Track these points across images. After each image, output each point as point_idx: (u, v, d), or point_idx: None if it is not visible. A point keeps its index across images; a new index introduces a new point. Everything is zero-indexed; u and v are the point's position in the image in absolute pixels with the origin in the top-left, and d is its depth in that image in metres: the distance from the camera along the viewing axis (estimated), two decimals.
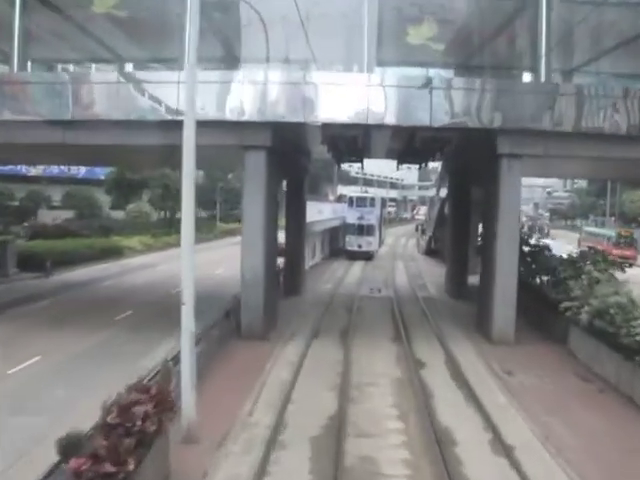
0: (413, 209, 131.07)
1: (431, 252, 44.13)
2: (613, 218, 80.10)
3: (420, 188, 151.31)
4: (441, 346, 17.15)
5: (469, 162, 21.55)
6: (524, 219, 79.25)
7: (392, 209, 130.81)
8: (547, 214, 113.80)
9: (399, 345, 17.11)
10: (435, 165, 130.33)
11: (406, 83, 16.32)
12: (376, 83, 16.26)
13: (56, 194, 60.37)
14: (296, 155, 23.43)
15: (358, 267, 38.47)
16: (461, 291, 25.85)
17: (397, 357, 15.93)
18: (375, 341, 17.50)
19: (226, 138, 16.67)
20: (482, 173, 19.47)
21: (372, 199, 44.76)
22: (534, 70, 18.30)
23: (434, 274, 34.53)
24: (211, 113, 16.27)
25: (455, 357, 15.81)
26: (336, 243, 47.14)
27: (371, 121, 16.22)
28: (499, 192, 17.18)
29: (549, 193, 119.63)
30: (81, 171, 63.64)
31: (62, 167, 61.42)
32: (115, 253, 38.50)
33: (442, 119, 16.26)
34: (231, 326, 17.33)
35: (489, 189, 18.75)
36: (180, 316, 10.27)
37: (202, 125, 17.33)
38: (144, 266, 35.12)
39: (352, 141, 17.87)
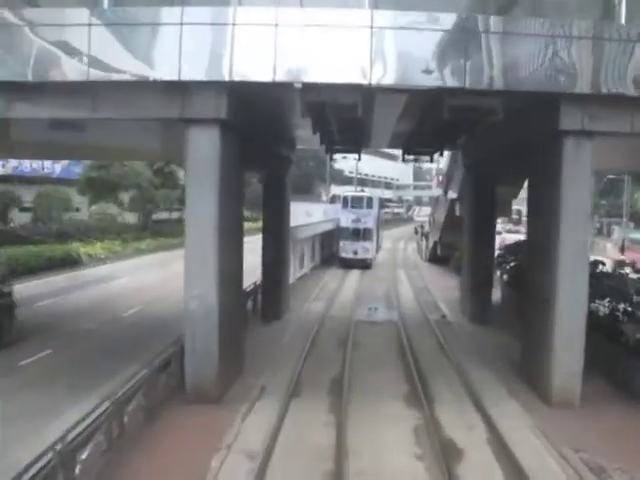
0: (409, 210, 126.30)
1: (436, 259, 38.78)
2: (625, 219, 75.15)
3: (415, 188, 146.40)
4: (477, 411, 11.77)
5: (502, 148, 16.18)
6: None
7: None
8: None
9: (417, 411, 11.69)
10: (430, 165, 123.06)
11: (430, 25, 10.95)
12: (384, 24, 10.89)
13: (28, 194, 54.95)
14: (273, 141, 18.02)
15: (354, 278, 33.07)
16: (484, 313, 20.52)
17: (416, 436, 10.53)
18: (381, 403, 12.08)
19: (157, 108, 11.29)
20: (528, 162, 14.15)
21: (369, 199, 39.21)
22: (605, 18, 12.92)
23: (444, 287, 29.18)
24: (131, 69, 10.92)
25: (503, 435, 10.41)
26: (329, 249, 41.70)
27: (376, 82, 10.87)
28: (560, 187, 11.83)
29: None
30: (56, 170, 58.47)
31: (35, 165, 56.53)
32: (71, 262, 32.91)
33: (482, 79, 10.95)
34: (171, 384, 11.89)
35: (539, 184, 13.46)
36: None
37: (117, 88, 12.21)
38: (102, 279, 29.55)
39: (347, 116, 12.38)
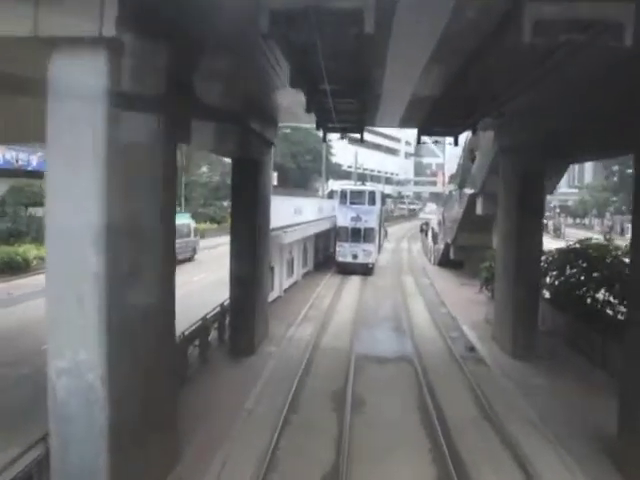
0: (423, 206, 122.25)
1: (448, 263, 33.51)
2: None
3: (416, 184, 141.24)
4: None
5: (579, 114, 10.89)
6: None
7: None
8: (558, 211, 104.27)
9: None
10: (430, 160, 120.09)
11: None
12: None
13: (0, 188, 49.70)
14: (236, 107, 12.71)
15: (353, 287, 27.79)
16: (529, 346, 15.30)
17: None
18: None
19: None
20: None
21: (371, 194, 33.71)
22: None
23: (463, 301, 23.98)
24: None
25: None
26: (324, 251, 36.48)
27: None
28: None
29: None
30: (32, 162, 53.17)
31: (8, 157, 51.31)
32: (15, 268, 27.58)
33: None
34: None
35: None
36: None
37: None
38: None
39: (348, 32, 6.95)
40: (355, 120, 14.68)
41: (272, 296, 22.04)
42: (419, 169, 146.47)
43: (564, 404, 11.68)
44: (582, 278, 17.10)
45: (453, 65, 9.22)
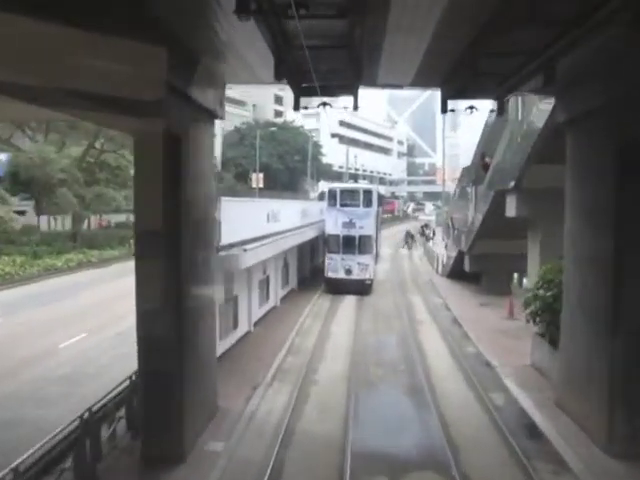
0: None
1: (460, 274, 27.55)
2: None
3: (410, 183, 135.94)
4: None
5: None
6: None
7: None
8: None
9: None
10: (423, 160, 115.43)
11: None
12: None
13: None
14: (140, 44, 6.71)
15: (347, 315, 21.70)
16: (634, 427, 9.36)
17: None
18: None
19: None
20: None
21: (367, 193, 27.31)
22: None
23: (488, 328, 18.25)
24: None
25: None
26: (311, 263, 30.52)
27: None
28: None
29: None
30: None
31: None
32: None
33: None
34: None
35: None
36: None
37: None
38: None
39: None
40: (344, 67, 8.70)
41: (237, 335, 16.12)
42: (412, 169, 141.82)
43: None
44: None
45: None
